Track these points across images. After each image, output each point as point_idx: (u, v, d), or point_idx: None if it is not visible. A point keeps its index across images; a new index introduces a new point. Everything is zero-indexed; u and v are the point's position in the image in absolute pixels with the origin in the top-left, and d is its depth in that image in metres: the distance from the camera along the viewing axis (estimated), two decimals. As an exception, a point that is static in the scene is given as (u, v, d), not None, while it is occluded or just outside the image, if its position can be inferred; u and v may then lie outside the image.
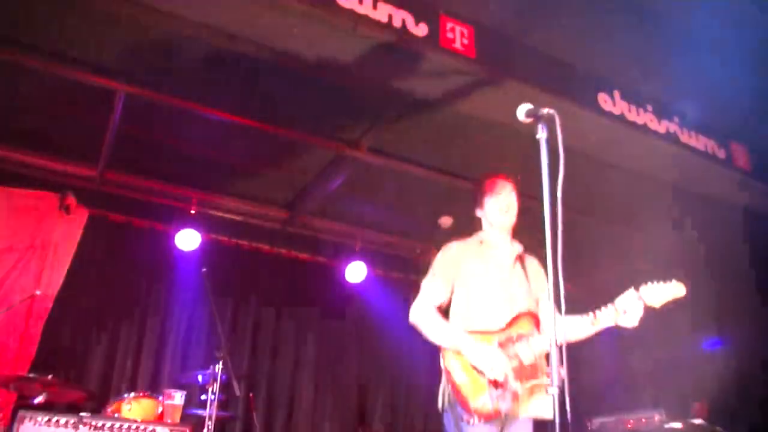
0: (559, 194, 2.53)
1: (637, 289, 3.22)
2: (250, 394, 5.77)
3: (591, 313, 3.20)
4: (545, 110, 2.51)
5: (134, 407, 4.98)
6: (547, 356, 2.81)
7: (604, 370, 8.37)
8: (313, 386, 7.34)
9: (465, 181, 6.06)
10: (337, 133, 5.86)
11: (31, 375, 5.28)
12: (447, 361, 3.16)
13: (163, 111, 5.47)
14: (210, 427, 5.03)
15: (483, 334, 3.19)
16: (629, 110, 5.52)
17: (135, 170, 6.49)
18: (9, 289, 5.78)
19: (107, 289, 6.53)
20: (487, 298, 3.31)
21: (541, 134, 2.47)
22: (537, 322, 3.25)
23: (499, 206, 3.48)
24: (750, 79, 5.53)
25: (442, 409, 3.19)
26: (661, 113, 5.72)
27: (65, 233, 6.24)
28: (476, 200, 3.60)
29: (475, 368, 3.06)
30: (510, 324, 3.24)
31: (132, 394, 5.10)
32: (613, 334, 3.34)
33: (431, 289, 3.39)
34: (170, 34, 4.54)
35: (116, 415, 4.90)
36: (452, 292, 3.39)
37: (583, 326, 3.19)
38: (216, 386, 5.18)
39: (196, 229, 6.64)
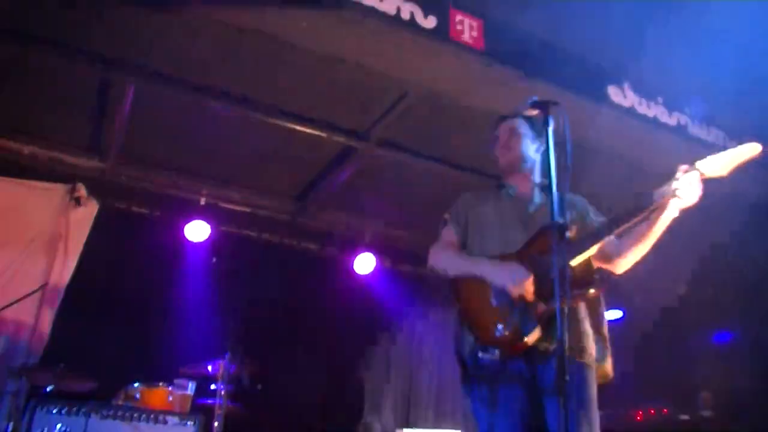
0: (566, 186, 2.57)
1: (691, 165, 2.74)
2: (259, 385, 5.80)
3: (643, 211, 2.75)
4: (552, 102, 2.50)
5: (145, 396, 5.04)
6: (584, 264, 2.68)
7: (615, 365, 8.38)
8: (321, 378, 7.37)
9: (473, 174, 6.06)
10: (346, 126, 5.86)
11: (42, 364, 5.36)
12: (458, 290, 2.93)
13: (173, 103, 5.49)
14: (220, 417, 5.07)
15: (501, 257, 2.88)
16: (639, 103, 5.49)
17: (145, 162, 6.51)
18: (20, 279, 5.81)
19: (117, 280, 6.57)
20: (503, 235, 2.98)
21: (548, 126, 2.46)
22: (561, 235, 2.58)
23: (498, 145, 3.26)
24: (763, 70, 5.49)
25: (461, 358, 2.85)
26: (671, 105, 5.69)
27: (75, 224, 6.27)
28: (492, 145, 3.37)
29: (494, 294, 2.75)
30: (531, 242, 2.85)
31: (142, 384, 5.14)
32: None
33: (445, 234, 3.19)
34: (179, 27, 4.55)
35: (127, 404, 4.95)
36: (467, 236, 3.13)
37: (640, 227, 2.80)
38: (225, 376, 5.22)
39: (205, 221, 6.68)
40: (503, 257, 2.84)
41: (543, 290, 2.61)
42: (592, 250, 2.70)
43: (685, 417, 6.40)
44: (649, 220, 2.80)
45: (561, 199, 2.52)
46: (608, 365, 2.98)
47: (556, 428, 2.52)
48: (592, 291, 2.67)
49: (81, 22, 4.59)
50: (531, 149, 3.19)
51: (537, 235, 2.82)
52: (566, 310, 2.21)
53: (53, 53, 4.83)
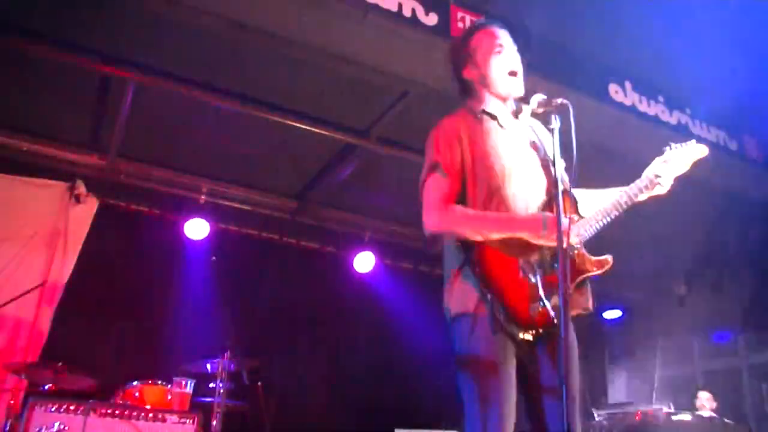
0: (570, 177, 2.56)
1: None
2: (259, 383, 5.79)
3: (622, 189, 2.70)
4: (558, 100, 2.45)
5: (144, 394, 5.01)
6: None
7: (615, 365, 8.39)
8: (321, 376, 7.37)
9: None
10: (347, 123, 5.85)
11: (41, 362, 5.34)
12: (485, 260, 2.48)
13: (173, 100, 5.48)
14: (219, 415, 5.05)
15: None
16: (640, 101, 5.49)
17: (145, 159, 6.50)
18: (19, 276, 5.80)
19: (117, 278, 6.56)
20: (508, 184, 2.60)
21: (554, 124, 2.42)
22: (574, 203, 2.60)
23: (506, 63, 2.77)
24: (763, 69, 5.48)
25: (460, 317, 2.53)
26: (672, 104, 5.68)
27: (75, 222, 6.26)
28: (465, 57, 2.87)
29: (522, 265, 2.46)
30: (543, 209, 2.59)
31: (141, 382, 5.12)
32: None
33: (438, 183, 2.65)
34: (180, 23, 4.53)
35: (126, 402, 4.93)
36: (462, 182, 2.65)
37: (617, 201, 2.62)
38: (225, 375, 5.21)
39: (205, 219, 6.67)
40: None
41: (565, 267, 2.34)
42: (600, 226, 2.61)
43: (684, 416, 6.39)
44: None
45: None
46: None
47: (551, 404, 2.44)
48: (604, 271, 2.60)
49: (82, 20, 4.58)
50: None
51: (549, 200, 2.58)
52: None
53: (54, 50, 4.83)
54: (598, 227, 2.59)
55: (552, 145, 2.50)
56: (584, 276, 2.52)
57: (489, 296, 2.43)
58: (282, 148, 6.24)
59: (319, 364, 7.41)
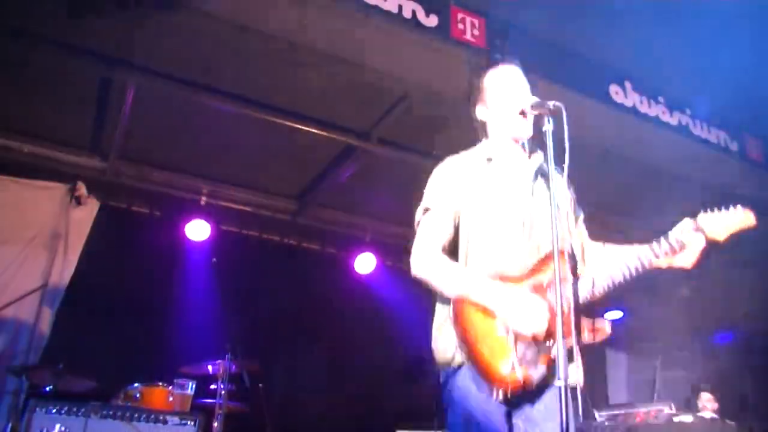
0: (565, 186, 2.48)
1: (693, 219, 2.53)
2: (260, 385, 5.79)
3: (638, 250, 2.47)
4: (551, 103, 2.37)
5: (145, 396, 5.02)
6: (586, 306, 2.43)
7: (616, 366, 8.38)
8: (322, 377, 7.36)
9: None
10: (348, 124, 5.85)
11: (42, 364, 5.34)
12: (458, 313, 2.40)
13: (174, 102, 5.48)
14: (220, 417, 5.05)
15: (506, 280, 2.40)
16: (641, 102, 5.48)
17: (146, 161, 6.51)
18: (20, 278, 5.80)
19: (117, 280, 6.55)
20: (503, 233, 2.49)
21: (548, 126, 2.34)
22: (572, 263, 2.42)
23: (515, 104, 2.59)
24: (765, 69, 5.48)
25: (444, 364, 2.48)
26: (673, 105, 5.68)
27: (76, 224, 6.27)
28: (476, 96, 2.76)
29: (499, 324, 2.32)
30: (538, 267, 2.43)
31: (142, 384, 5.13)
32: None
33: (431, 227, 2.59)
34: (181, 25, 4.53)
35: (127, 403, 4.94)
36: (456, 228, 2.58)
37: (626, 264, 2.42)
38: (226, 376, 5.21)
39: (206, 220, 6.67)
40: (509, 281, 2.41)
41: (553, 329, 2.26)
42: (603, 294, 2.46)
43: (685, 418, 6.38)
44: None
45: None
46: None
47: None
48: (602, 338, 2.46)
49: (82, 21, 4.57)
50: None
51: (547, 259, 2.43)
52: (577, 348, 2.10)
53: (54, 52, 4.83)
54: (599, 291, 2.43)
55: (563, 197, 2.44)
56: (571, 340, 2.28)
57: (463, 348, 2.36)
58: (283, 150, 6.24)
59: (320, 365, 7.40)
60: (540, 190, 2.59)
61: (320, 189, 6.91)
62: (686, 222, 2.52)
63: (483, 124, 2.77)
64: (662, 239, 2.48)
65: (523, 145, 2.66)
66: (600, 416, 6.55)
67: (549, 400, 2.36)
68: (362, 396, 7.56)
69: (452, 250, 2.57)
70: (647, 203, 6.52)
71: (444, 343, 2.49)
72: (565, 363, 2.02)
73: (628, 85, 5.42)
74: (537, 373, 2.28)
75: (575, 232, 2.65)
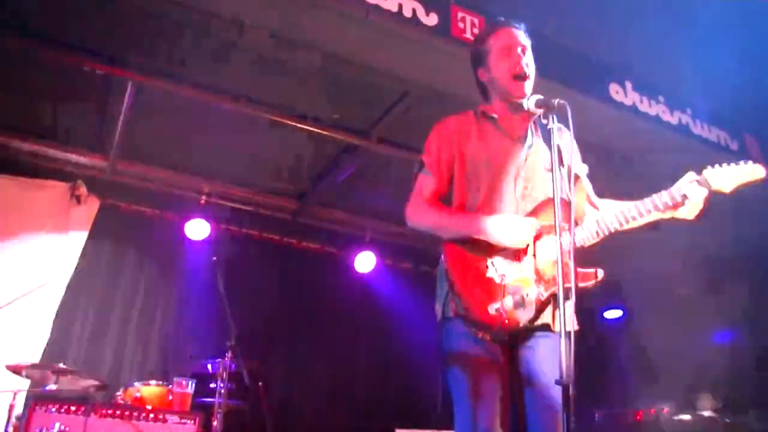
0: (571, 185, 2.51)
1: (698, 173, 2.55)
2: (260, 383, 5.79)
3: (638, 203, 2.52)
4: (556, 100, 2.40)
5: (144, 395, 5.02)
6: (580, 252, 2.48)
7: (615, 360, 8.38)
8: (322, 376, 7.37)
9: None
10: (348, 124, 5.84)
11: (42, 363, 5.34)
12: (450, 258, 2.53)
13: (174, 101, 5.48)
14: (219, 415, 5.06)
15: None
16: (641, 101, 5.48)
17: (146, 160, 6.51)
18: (20, 277, 5.80)
19: (118, 278, 6.57)
20: (497, 186, 2.61)
21: (552, 125, 2.37)
22: (568, 211, 2.38)
23: (512, 66, 2.69)
24: (765, 69, 5.48)
25: (442, 318, 2.58)
26: (673, 104, 5.68)
27: (76, 223, 6.27)
28: (479, 59, 2.83)
29: (490, 265, 2.46)
30: (531, 215, 2.54)
31: (142, 382, 5.13)
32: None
33: (425, 181, 2.74)
34: (180, 23, 4.53)
35: (126, 402, 4.94)
36: (450, 183, 2.71)
37: (622, 212, 2.50)
38: (225, 375, 5.21)
39: (206, 219, 6.67)
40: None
41: (543, 273, 2.44)
42: (596, 239, 2.51)
43: (685, 417, 6.39)
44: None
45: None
46: None
47: (535, 416, 2.42)
48: (593, 283, 2.45)
49: (83, 20, 4.58)
50: (534, 70, 2.76)
51: (542, 206, 2.54)
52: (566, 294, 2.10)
53: (55, 51, 4.82)
54: (595, 237, 2.50)
55: (567, 150, 2.49)
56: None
57: (453, 295, 2.48)
58: (283, 149, 6.24)
59: (320, 364, 7.41)
60: (538, 143, 2.69)
61: (320, 188, 6.92)
62: (689, 175, 2.55)
63: (484, 87, 2.85)
64: (663, 191, 2.52)
65: (521, 104, 2.65)
66: (600, 415, 6.56)
67: (545, 344, 2.44)
68: (362, 395, 7.57)
69: (446, 202, 2.70)
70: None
71: (439, 292, 2.61)
72: (563, 308, 2.05)
73: (628, 84, 5.42)
74: (525, 314, 2.39)
75: (576, 185, 2.68)
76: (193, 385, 5.34)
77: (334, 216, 7.56)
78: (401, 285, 7.92)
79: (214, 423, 5.04)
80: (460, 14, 4.60)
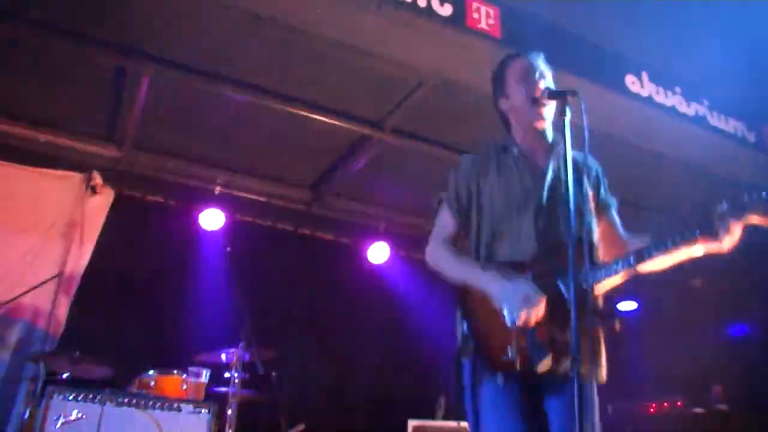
0: (586, 194, 2.48)
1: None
2: (273, 373, 5.82)
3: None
4: (569, 91, 2.38)
5: (159, 384, 5.06)
6: (603, 295, 2.42)
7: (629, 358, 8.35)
8: (335, 366, 7.39)
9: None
10: (362, 114, 5.84)
11: (59, 351, 5.40)
12: (467, 303, 2.48)
13: (189, 91, 5.49)
14: (233, 405, 5.09)
15: (514, 267, 2.42)
16: (657, 92, 5.44)
17: (160, 150, 6.53)
18: (37, 266, 5.86)
19: (132, 268, 6.60)
20: (516, 224, 2.51)
21: (566, 115, 2.34)
22: (588, 250, 2.27)
23: (529, 91, 2.61)
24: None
25: (459, 357, 2.51)
26: (690, 95, 5.63)
27: (91, 213, 6.30)
28: (497, 87, 2.78)
29: (499, 311, 2.34)
30: (548, 253, 2.42)
31: (157, 371, 5.17)
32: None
33: (442, 220, 2.71)
34: (195, 14, 4.54)
35: (141, 391, 4.98)
36: (470, 219, 2.65)
37: (654, 246, 2.32)
38: (239, 364, 5.24)
39: (220, 209, 6.69)
40: (516, 266, 2.43)
41: (560, 316, 2.27)
42: (619, 278, 2.37)
43: (699, 410, 6.36)
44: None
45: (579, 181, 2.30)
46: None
47: None
48: (617, 323, 2.42)
49: (97, 11, 4.59)
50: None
51: (560, 245, 2.36)
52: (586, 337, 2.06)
53: (70, 42, 4.84)
54: (614, 274, 2.34)
55: (584, 186, 2.48)
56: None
57: (471, 340, 2.42)
58: (297, 139, 6.24)
59: (333, 355, 7.43)
60: (559, 178, 2.56)
61: (334, 179, 6.92)
62: (724, 209, 2.24)
63: (505, 118, 2.79)
64: (696, 228, 2.28)
65: (543, 133, 2.64)
66: (613, 408, 6.54)
67: (569, 392, 2.25)
68: (374, 386, 7.59)
69: (465, 237, 2.65)
70: (662, 194, 6.49)
71: (458, 333, 2.52)
72: (577, 353, 2.02)
73: (644, 75, 5.38)
74: (541, 360, 2.28)
75: (598, 220, 2.63)
76: (208, 374, 5.38)
77: (347, 207, 7.56)
78: (415, 276, 7.92)
79: (228, 412, 5.07)
80: (474, 4, 4.58)
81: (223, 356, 5.43)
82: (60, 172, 6.24)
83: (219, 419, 5.04)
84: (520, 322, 2.27)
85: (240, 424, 5.16)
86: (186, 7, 4.47)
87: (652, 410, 6.59)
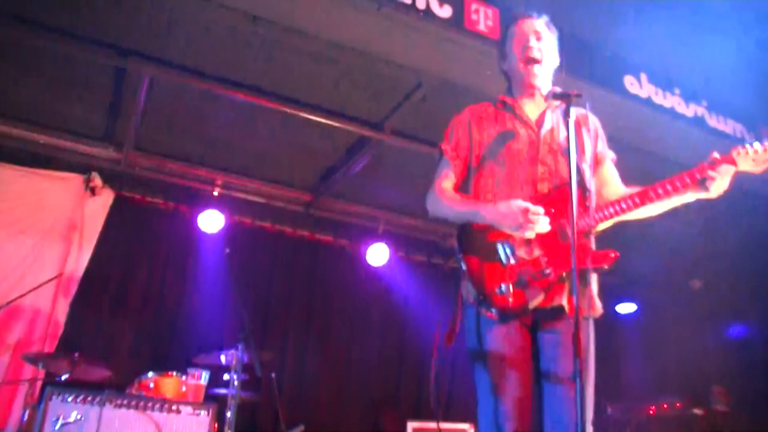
0: (589, 168, 2.55)
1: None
2: (272, 375, 5.83)
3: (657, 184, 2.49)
4: (573, 92, 2.42)
5: (158, 386, 5.06)
6: (593, 235, 2.52)
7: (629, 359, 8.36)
8: (334, 368, 7.39)
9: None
10: (360, 116, 5.84)
11: (58, 352, 5.40)
12: (464, 242, 2.59)
13: (188, 93, 5.50)
14: (233, 406, 5.08)
15: None
16: (656, 93, 5.44)
17: (160, 152, 6.53)
18: (37, 267, 5.86)
19: (131, 270, 6.62)
20: (514, 171, 2.63)
21: (569, 116, 2.38)
22: (582, 194, 2.52)
23: (523, 51, 2.76)
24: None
25: (462, 306, 2.62)
26: (688, 96, 5.63)
27: (91, 214, 6.31)
28: (500, 50, 2.93)
29: (501, 248, 2.48)
30: (545, 196, 2.55)
31: (156, 373, 5.17)
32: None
33: (441, 169, 2.81)
34: (195, 16, 4.55)
35: (141, 393, 4.98)
36: (468, 169, 2.76)
37: (646, 192, 2.50)
38: (238, 366, 5.23)
39: (219, 211, 6.69)
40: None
41: (555, 255, 2.44)
42: (612, 221, 2.53)
43: (698, 411, 6.36)
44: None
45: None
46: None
47: (551, 410, 2.42)
48: (606, 267, 2.44)
49: (98, 13, 4.60)
50: (553, 58, 2.82)
51: (556, 190, 2.55)
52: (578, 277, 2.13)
53: (70, 43, 4.86)
54: (608, 217, 2.51)
55: (591, 135, 2.65)
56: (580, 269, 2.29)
57: (467, 278, 2.53)
58: (296, 141, 6.25)
59: (332, 357, 7.43)
60: (558, 128, 2.70)
61: (333, 180, 6.92)
62: (715, 157, 2.48)
63: (507, 77, 2.91)
64: (685, 172, 2.49)
65: (540, 90, 2.76)
66: (613, 409, 6.54)
67: (565, 330, 2.40)
68: (374, 387, 7.59)
69: (465, 187, 2.75)
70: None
71: (461, 279, 2.62)
72: (576, 290, 2.09)
73: (643, 76, 5.38)
74: (533, 296, 2.41)
75: (598, 170, 2.78)
76: (207, 376, 5.38)
77: (346, 208, 7.56)
78: (414, 277, 7.92)
79: (228, 414, 5.06)
80: (473, 6, 4.58)
81: (222, 358, 5.42)
82: (60, 174, 6.25)
83: (218, 421, 5.03)
84: (524, 234, 2.42)
85: (239, 426, 5.15)
86: (185, 8, 4.48)
87: (651, 412, 6.59)
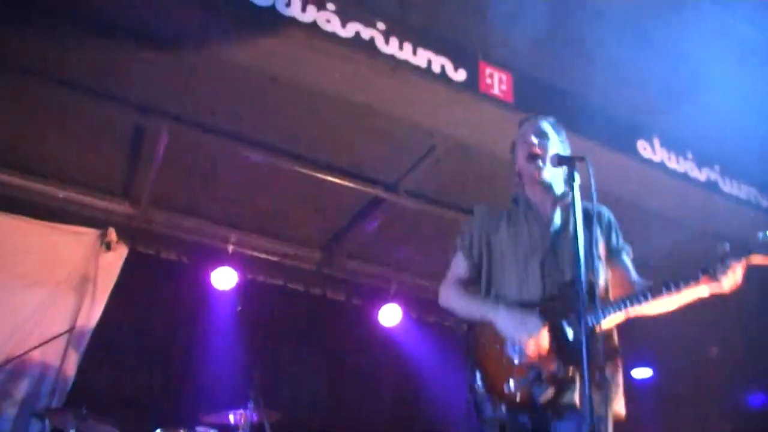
0: (595, 240, 2.55)
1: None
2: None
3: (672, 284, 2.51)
4: (576, 156, 2.46)
5: (166, 443, 4.99)
6: (604, 335, 2.49)
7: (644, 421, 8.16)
8: (345, 429, 7.27)
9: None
10: (375, 176, 5.89)
11: (65, 408, 5.34)
12: (475, 338, 2.69)
13: (204, 150, 5.59)
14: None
15: (519, 306, 2.63)
16: (669, 158, 5.47)
17: (175, 208, 6.59)
18: (49, 320, 5.85)
19: (143, 325, 6.59)
20: (523, 271, 2.70)
21: (574, 180, 2.41)
22: (591, 289, 2.43)
23: (527, 147, 2.86)
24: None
25: (470, 396, 2.66)
26: (701, 161, 5.65)
27: (105, 268, 6.31)
28: (513, 151, 3.04)
29: (509, 345, 2.54)
30: (554, 295, 2.61)
31: (164, 430, 5.10)
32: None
33: (454, 265, 2.95)
34: (212, 74, 4.65)
35: (148, 451, 4.91)
36: (481, 267, 2.87)
37: (657, 286, 2.53)
38: (247, 426, 5.16)
39: (233, 268, 6.69)
40: (524, 305, 2.61)
41: (562, 352, 2.46)
42: (622, 316, 2.56)
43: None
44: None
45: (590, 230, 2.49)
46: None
47: None
48: (618, 361, 2.54)
49: (117, 68, 4.71)
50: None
51: (565, 287, 2.57)
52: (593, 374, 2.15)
53: (90, 99, 4.96)
54: (619, 312, 2.52)
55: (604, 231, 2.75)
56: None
57: (475, 372, 2.62)
58: (310, 200, 6.29)
59: (343, 418, 7.31)
60: (569, 225, 2.74)
61: (346, 239, 6.93)
62: (725, 247, 2.53)
63: (519, 176, 2.98)
64: (698, 269, 2.51)
65: (550, 186, 2.82)
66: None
67: (576, 420, 2.41)
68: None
69: (477, 282, 2.88)
70: (677, 259, 6.43)
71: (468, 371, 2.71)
72: (584, 388, 2.08)
73: (656, 140, 5.42)
74: (541, 393, 2.43)
75: (611, 264, 2.81)
76: (215, 435, 5.30)
77: (359, 268, 7.55)
78: (426, 339, 7.84)
79: (234, 474, 4.98)
80: (488, 70, 4.67)
81: (231, 417, 5.35)
82: (76, 228, 6.28)
83: (225, 481, 4.94)
84: (523, 346, 2.48)
85: (246, 487, 5.07)
86: (204, 67, 4.59)
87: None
